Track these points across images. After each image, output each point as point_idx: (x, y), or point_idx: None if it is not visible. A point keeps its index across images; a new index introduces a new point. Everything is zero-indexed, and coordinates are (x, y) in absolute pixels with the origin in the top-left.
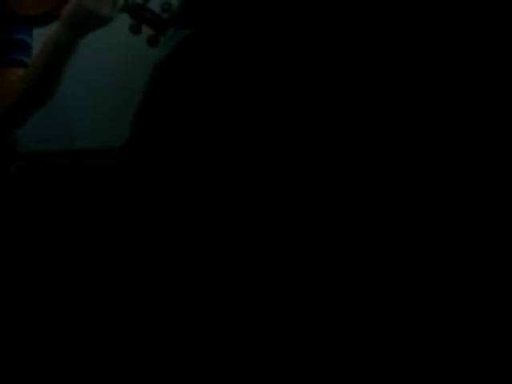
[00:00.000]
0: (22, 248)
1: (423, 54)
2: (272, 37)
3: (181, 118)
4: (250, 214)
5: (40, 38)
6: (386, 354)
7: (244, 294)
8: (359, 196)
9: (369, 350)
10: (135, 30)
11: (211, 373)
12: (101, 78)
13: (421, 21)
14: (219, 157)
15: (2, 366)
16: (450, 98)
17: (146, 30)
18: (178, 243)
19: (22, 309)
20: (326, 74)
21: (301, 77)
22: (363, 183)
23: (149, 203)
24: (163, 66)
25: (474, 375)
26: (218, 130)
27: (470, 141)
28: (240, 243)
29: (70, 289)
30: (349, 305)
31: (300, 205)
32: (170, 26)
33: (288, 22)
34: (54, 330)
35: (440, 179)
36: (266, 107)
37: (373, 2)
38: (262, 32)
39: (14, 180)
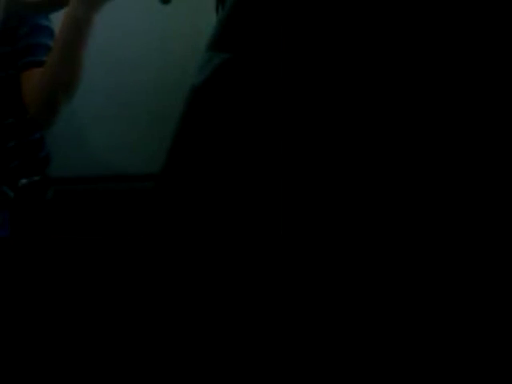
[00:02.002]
0: (59, 273)
1: (423, 54)
2: (310, 62)
3: (218, 143)
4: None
5: None
6: (386, 354)
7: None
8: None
9: (369, 350)
10: None
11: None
12: (137, 103)
13: (421, 21)
14: (258, 185)
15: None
16: (450, 98)
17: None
18: (214, 270)
19: (56, 332)
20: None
21: (339, 102)
22: (363, 183)
23: (184, 228)
24: (200, 91)
25: (474, 375)
26: (256, 156)
27: (470, 141)
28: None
29: (105, 313)
30: (349, 304)
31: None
32: None
33: (325, 47)
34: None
35: (440, 179)
36: (305, 134)
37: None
38: (300, 57)
39: (50, 205)
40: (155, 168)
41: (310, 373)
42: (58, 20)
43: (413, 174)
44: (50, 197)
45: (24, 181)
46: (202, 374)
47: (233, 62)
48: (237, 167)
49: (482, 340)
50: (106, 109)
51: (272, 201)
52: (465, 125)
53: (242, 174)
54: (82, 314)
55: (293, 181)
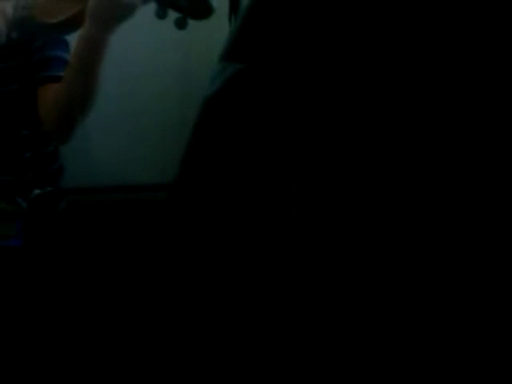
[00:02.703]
0: (71, 283)
1: (423, 55)
2: (323, 72)
3: (231, 154)
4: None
5: None
6: (385, 354)
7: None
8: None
9: (369, 350)
10: (161, 14)
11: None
12: (149, 113)
13: (420, 21)
14: (270, 195)
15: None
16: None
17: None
18: (226, 280)
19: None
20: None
21: (354, 112)
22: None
23: (197, 239)
24: (213, 101)
25: (474, 375)
26: (269, 166)
27: (470, 141)
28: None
29: (116, 322)
30: (348, 304)
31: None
32: (198, 6)
33: (336, 57)
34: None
35: (439, 179)
36: (318, 145)
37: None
38: (313, 66)
39: (62, 215)
40: (168, 178)
41: (314, 373)
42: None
43: (417, 175)
44: (62, 207)
45: (37, 191)
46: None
47: (246, 72)
48: (250, 178)
49: (481, 340)
50: (119, 119)
51: (284, 212)
52: (465, 125)
53: (255, 185)
54: (93, 323)
55: (304, 191)
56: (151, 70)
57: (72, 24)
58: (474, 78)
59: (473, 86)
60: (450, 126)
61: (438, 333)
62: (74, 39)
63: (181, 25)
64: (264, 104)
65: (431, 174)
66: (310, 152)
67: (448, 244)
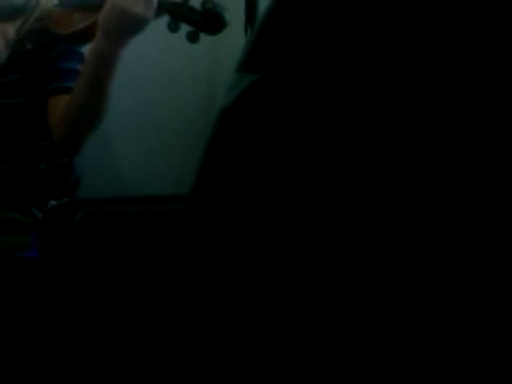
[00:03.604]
0: (88, 295)
1: (423, 55)
2: (339, 82)
3: (246, 164)
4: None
5: None
6: (386, 354)
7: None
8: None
9: (369, 350)
10: (173, 27)
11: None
12: (165, 124)
13: (421, 21)
14: (287, 206)
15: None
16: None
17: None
18: (244, 294)
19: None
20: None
21: (368, 122)
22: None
23: (213, 250)
24: (229, 111)
25: (474, 375)
26: (285, 177)
27: (471, 141)
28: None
29: (136, 332)
30: (348, 304)
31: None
32: (211, 20)
33: (353, 68)
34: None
35: (440, 180)
36: (335, 155)
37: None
38: (329, 77)
39: (78, 227)
40: (184, 189)
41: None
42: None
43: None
44: (78, 218)
45: (53, 202)
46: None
47: (262, 83)
48: (266, 188)
49: (481, 340)
50: (134, 130)
51: (300, 224)
52: (465, 124)
53: (271, 195)
54: (109, 332)
55: (320, 202)
56: (168, 80)
57: (86, 36)
58: (473, 78)
59: (473, 85)
60: (450, 125)
61: (438, 333)
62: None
63: (193, 39)
64: (280, 114)
65: (433, 175)
66: (326, 163)
67: (448, 244)
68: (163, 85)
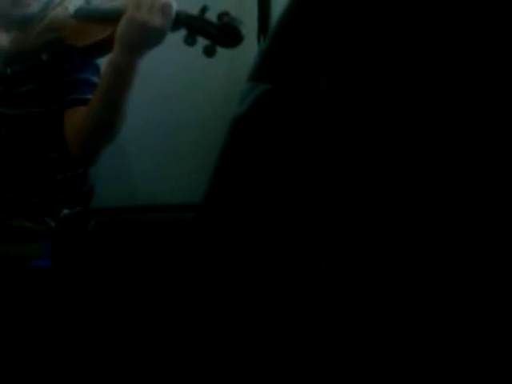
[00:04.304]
0: (101, 304)
1: (423, 55)
2: (350, 91)
3: (259, 173)
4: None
5: None
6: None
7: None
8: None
9: (369, 350)
10: (190, 41)
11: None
12: (178, 133)
13: (421, 21)
14: (300, 216)
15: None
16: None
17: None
18: (257, 302)
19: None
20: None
21: (380, 131)
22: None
23: (225, 259)
24: (242, 120)
25: (474, 375)
26: (298, 186)
27: (471, 141)
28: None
29: (147, 346)
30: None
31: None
32: (228, 34)
33: (363, 76)
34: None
35: (440, 180)
36: (347, 165)
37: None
38: (340, 86)
39: (91, 235)
40: (197, 198)
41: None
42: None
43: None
44: (91, 227)
45: (66, 211)
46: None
47: (274, 92)
48: (279, 197)
49: (481, 340)
50: (147, 139)
51: (314, 232)
52: (467, 124)
53: (285, 205)
54: (124, 343)
55: (335, 208)
56: (180, 88)
57: (102, 48)
58: (474, 78)
59: (473, 86)
60: (451, 125)
61: (439, 333)
62: (103, 62)
63: (209, 52)
64: (292, 123)
65: (435, 175)
66: (339, 170)
67: (449, 244)
68: (177, 95)
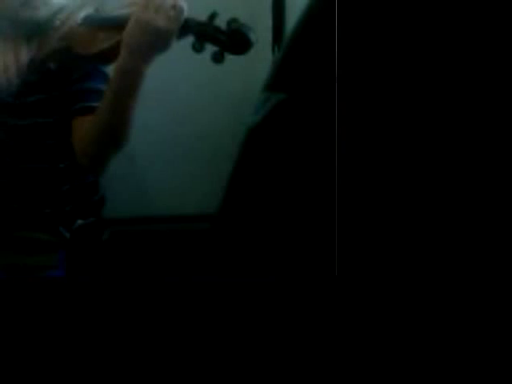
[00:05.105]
0: (115, 314)
1: (424, 55)
2: (363, 101)
3: (273, 184)
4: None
5: None
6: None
7: None
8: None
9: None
10: (198, 48)
11: None
12: (191, 143)
13: (421, 21)
14: (313, 226)
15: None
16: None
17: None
18: (271, 312)
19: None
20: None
21: (390, 141)
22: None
23: (240, 269)
24: (256, 131)
25: (474, 375)
26: (311, 196)
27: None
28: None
29: (163, 358)
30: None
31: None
32: (237, 40)
33: (377, 85)
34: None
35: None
36: (361, 173)
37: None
38: (353, 97)
39: (105, 246)
40: (211, 209)
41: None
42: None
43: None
44: (105, 238)
45: (80, 222)
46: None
47: (289, 102)
48: (293, 208)
49: (481, 340)
50: (161, 149)
51: (327, 243)
52: (465, 124)
53: (299, 215)
54: (139, 355)
55: (348, 219)
56: (194, 98)
57: (109, 56)
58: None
59: (473, 86)
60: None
61: (439, 333)
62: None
63: (218, 59)
64: (306, 133)
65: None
66: (353, 180)
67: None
68: (191, 105)
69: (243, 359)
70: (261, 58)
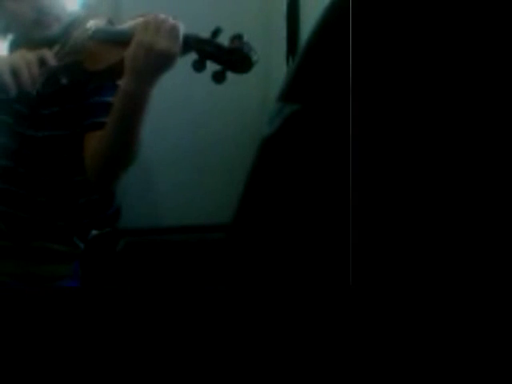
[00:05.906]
0: (130, 325)
1: (424, 55)
2: (378, 112)
3: (288, 193)
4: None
5: None
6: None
7: None
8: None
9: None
10: (199, 66)
11: None
12: (206, 153)
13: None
14: (329, 236)
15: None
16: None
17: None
18: (289, 322)
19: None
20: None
21: (406, 153)
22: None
23: (256, 279)
24: (270, 141)
25: (474, 375)
26: (327, 206)
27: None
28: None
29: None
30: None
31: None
32: (237, 60)
33: (392, 98)
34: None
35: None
36: (375, 184)
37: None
38: (368, 107)
39: (120, 256)
40: (226, 219)
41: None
42: None
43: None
44: (120, 248)
45: (94, 232)
46: None
47: (303, 112)
48: (308, 218)
49: (481, 340)
50: (175, 160)
51: (343, 253)
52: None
53: (314, 225)
54: (155, 364)
55: (364, 231)
56: (209, 108)
57: (114, 73)
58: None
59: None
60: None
61: (439, 333)
62: None
63: (219, 78)
64: (321, 144)
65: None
66: (368, 190)
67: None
68: (206, 116)
69: (256, 369)
70: (276, 69)
